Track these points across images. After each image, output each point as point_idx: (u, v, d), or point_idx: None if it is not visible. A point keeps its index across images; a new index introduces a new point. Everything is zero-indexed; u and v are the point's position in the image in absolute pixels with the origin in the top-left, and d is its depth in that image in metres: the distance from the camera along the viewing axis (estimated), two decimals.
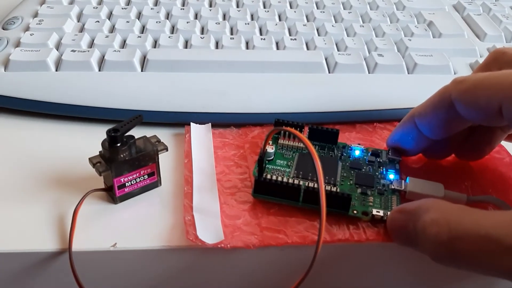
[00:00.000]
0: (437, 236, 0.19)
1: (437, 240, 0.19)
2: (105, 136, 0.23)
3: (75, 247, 0.21)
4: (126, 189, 0.23)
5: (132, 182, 0.23)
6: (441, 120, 0.23)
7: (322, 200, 0.19)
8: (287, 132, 0.27)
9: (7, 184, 0.25)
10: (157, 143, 0.24)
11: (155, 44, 0.32)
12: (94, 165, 0.22)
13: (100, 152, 0.23)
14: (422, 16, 0.37)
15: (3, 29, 0.34)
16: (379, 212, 0.23)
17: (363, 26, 0.35)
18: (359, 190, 0.24)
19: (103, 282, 0.23)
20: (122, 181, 0.23)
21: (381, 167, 0.26)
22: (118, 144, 0.22)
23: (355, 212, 0.23)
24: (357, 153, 0.27)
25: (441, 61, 0.32)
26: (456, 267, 0.19)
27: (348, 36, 0.35)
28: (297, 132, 0.21)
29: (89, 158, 0.22)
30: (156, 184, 0.24)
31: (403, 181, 0.25)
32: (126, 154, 0.22)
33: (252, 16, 0.37)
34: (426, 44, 0.33)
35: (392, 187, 0.25)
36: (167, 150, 0.24)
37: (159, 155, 0.24)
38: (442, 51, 0.33)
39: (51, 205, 0.23)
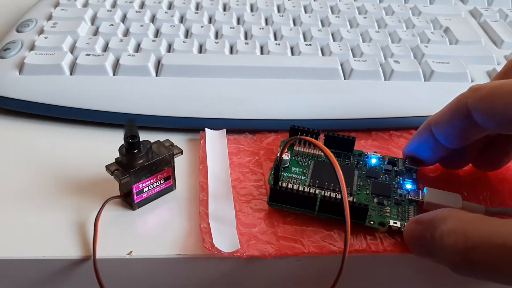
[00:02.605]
0: (454, 246, 0.18)
1: (454, 250, 0.18)
2: (120, 141, 0.22)
3: (97, 254, 0.21)
4: (144, 195, 0.23)
5: (150, 187, 0.23)
6: (458, 129, 0.23)
7: (346, 213, 0.19)
8: (302, 139, 0.27)
9: (24, 190, 0.25)
10: (171, 146, 0.24)
11: (170, 48, 0.32)
12: (112, 172, 0.22)
13: (116, 158, 0.23)
14: (438, 22, 0.37)
15: (17, 31, 0.34)
16: (396, 223, 0.23)
17: (378, 32, 0.35)
18: (375, 200, 0.24)
19: None
20: (141, 186, 0.23)
21: (398, 176, 0.26)
22: (136, 150, 0.22)
23: (371, 222, 0.23)
24: (373, 161, 0.27)
25: (458, 68, 0.31)
26: (475, 277, 0.19)
27: (363, 41, 0.34)
28: (318, 142, 0.21)
29: (106, 166, 0.22)
30: (171, 187, 0.24)
31: (420, 191, 0.25)
32: (144, 160, 0.22)
33: (266, 20, 0.36)
34: (443, 51, 0.33)
35: (409, 197, 0.24)
36: (182, 153, 0.24)
37: (175, 159, 0.24)
38: (459, 58, 0.32)
39: (69, 211, 0.23)
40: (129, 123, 0.22)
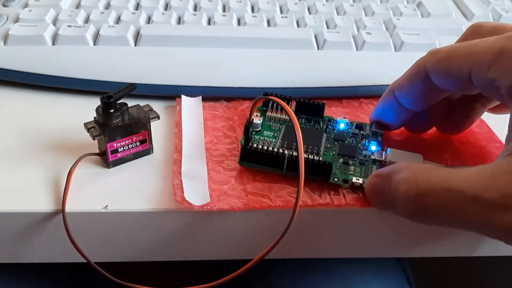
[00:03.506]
0: (407, 193, 0.20)
1: (407, 197, 0.20)
2: (99, 104, 0.24)
3: (70, 208, 0.23)
4: (119, 154, 0.24)
5: (125, 148, 0.24)
6: (418, 91, 0.24)
7: (300, 159, 0.20)
8: (274, 105, 0.28)
9: (4, 151, 0.26)
10: (149, 111, 0.25)
11: (149, 20, 0.33)
12: (88, 129, 0.23)
13: (94, 118, 0.24)
14: None
15: (4, 6, 0.35)
16: (358, 179, 0.24)
17: (353, 6, 0.36)
18: (341, 160, 0.26)
19: (95, 242, 0.24)
20: (115, 146, 0.24)
21: (364, 139, 0.27)
22: (112, 110, 0.23)
23: (336, 179, 0.24)
24: (341, 126, 0.28)
25: (427, 39, 0.32)
26: (428, 222, 0.21)
27: (338, 14, 0.35)
28: (278, 99, 0.22)
29: (84, 123, 0.24)
30: (148, 151, 0.26)
31: (384, 152, 0.26)
32: (119, 120, 0.23)
33: None
34: (414, 23, 0.34)
35: (373, 157, 0.26)
36: (159, 118, 0.25)
37: (151, 124, 0.25)
38: (430, 30, 0.33)
39: (47, 168, 0.24)
40: (129, 86, 0.23)
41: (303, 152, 0.21)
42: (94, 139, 0.23)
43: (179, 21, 0.34)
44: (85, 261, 0.22)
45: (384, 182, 0.22)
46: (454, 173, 0.19)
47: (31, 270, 0.34)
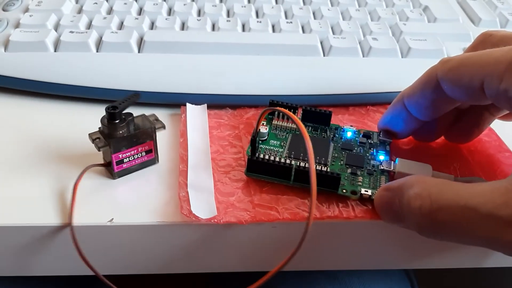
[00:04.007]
0: (420, 209, 0.20)
1: (420, 213, 0.20)
2: (103, 115, 0.23)
3: (75, 221, 0.22)
4: (124, 165, 0.24)
5: (130, 159, 0.24)
6: (429, 100, 0.23)
7: (312, 176, 0.20)
8: (280, 113, 0.28)
9: (8, 161, 0.25)
10: (155, 121, 0.25)
11: (152, 25, 0.33)
12: (93, 140, 0.23)
13: (99, 128, 0.23)
14: (418, 1, 0.37)
15: (3, 10, 0.34)
16: (367, 191, 0.24)
17: (358, 10, 0.35)
18: (349, 170, 0.25)
19: (100, 254, 0.23)
20: (121, 157, 0.23)
21: (372, 149, 0.27)
22: (117, 121, 0.23)
23: (344, 191, 0.24)
24: (349, 134, 0.27)
25: (434, 45, 0.32)
26: (440, 238, 0.20)
27: (343, 20, 0.35)
28: (287, 111, 0.21)
29: (88, 134, 0.23)
30: (154, 161, 0.25)
31: (392, 162, 0.25)
32: (125, 131, 0.23)
33: None
34: (421, 29, 0.34)
35: (382, 167, 0.25)
36: (164, 128, 0.25)
37: (157, 133, 0.25)
38: (436, 36, 0.33)
39: (51, 179, 0.24)
40: (134, 95, 0.23)
41: (314, 165, 0.20)
42: (99, 150, 0.23)
43: (182, 26, 0.33)
44: (93, 274, 0.22)
45: (395, 195, 0.22)
46: (468, 189, 0.19)
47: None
